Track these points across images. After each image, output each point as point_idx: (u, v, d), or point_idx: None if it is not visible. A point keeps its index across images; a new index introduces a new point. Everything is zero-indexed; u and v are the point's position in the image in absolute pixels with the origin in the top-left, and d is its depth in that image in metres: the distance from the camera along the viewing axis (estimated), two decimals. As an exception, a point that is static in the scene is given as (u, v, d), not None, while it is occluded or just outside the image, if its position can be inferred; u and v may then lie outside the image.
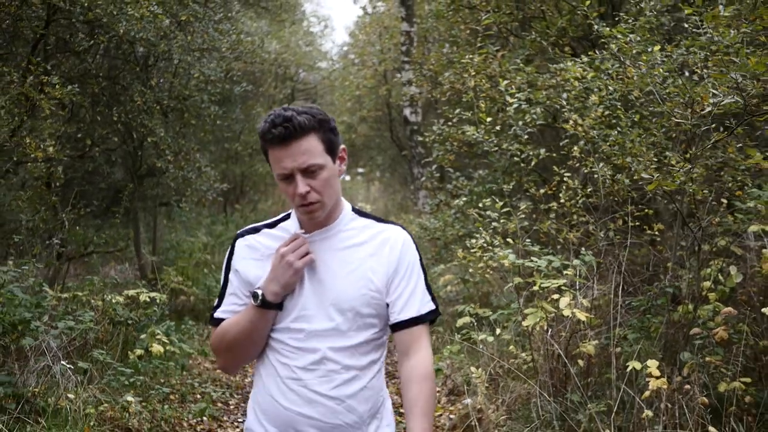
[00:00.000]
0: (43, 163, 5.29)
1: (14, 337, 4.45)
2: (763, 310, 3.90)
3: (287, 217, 2.01)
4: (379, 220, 2.01)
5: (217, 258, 9.95)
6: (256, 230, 2.01)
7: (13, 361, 4.48)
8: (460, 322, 5.18)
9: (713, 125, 3.96)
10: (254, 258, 1.96)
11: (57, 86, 5.24)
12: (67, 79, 6.54)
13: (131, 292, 5.52)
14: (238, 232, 2.03)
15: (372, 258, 1.93)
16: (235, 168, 15.52)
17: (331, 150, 1.87)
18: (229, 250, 2.03)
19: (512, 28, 6.47)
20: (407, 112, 12.91)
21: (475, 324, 5.09)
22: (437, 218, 7.44)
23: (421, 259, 2.00)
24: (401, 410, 2.14)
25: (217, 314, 1.99)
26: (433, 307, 1.97)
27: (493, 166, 6.71)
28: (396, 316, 1.94)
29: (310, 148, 1.81)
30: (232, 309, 1.96)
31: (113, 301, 5.36)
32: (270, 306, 1.87)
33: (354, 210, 2.00)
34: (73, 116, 6.68)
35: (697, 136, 4.08)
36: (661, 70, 4.01)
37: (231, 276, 1.99)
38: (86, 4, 6.21)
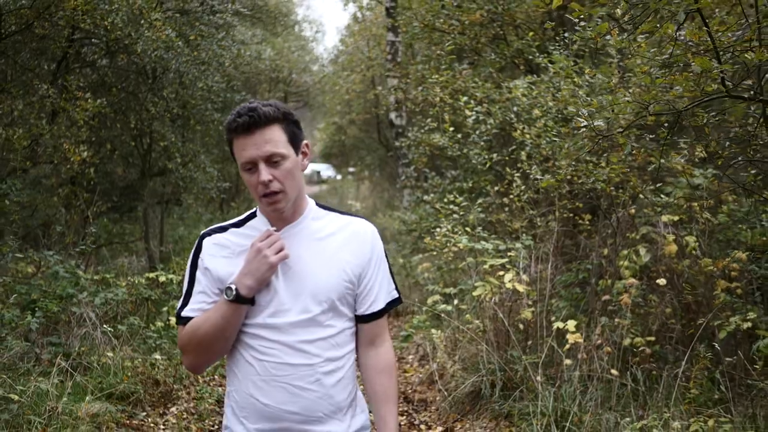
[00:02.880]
0: (77, 165, 6.27)
1: (60, 308, 5.46)
2: (657, 281, 4.97)
3: (253, 215, 2.03)
4: (342, 213, 2.07)
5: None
6: (223, 229, 2.02)
7: (60, 328, 5.49)
8: (430, 299, 6.23)
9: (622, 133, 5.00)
10: (224, 255, 1.95)
11: (89, 100, 6.24)
12: (87, 90, 7.53)
13: (151, 275, 6.53)
14: (204, 231, 2.03)
15: (343, 249, 1.97)
16: (231, 168, 16.48)
17: (294, 142, 1.90)
18: (194, 248, 2.02)
19: (476, 49, 7.50)
20: (392, 116, 13.91)
21: (444, 300, 6.13)
22: (415, 213, 8.47)
23: (385, 249, 2.08)
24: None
25: (185, 312, 1.97)
26: (396, 295, 2.07)
27: (463, 167, 7.75)
28: (365, 309, 2.00)
29: (274, 138, 1.85)
30: (201, 307, 1.95)
31: (137, 281, 6.37)
32: (243, 301, 1.87)
33: (318, 204, 2.05)
34: (100, 124, 7.67)
35: (613, 145, 5.12)
36: (582, 92, 5.04)
37: (198, 274, 1.98)
38: (108, 27, 7.19)
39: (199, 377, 5.80)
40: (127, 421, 4.68)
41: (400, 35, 14.21)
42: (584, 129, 3.56)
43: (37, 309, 5.07)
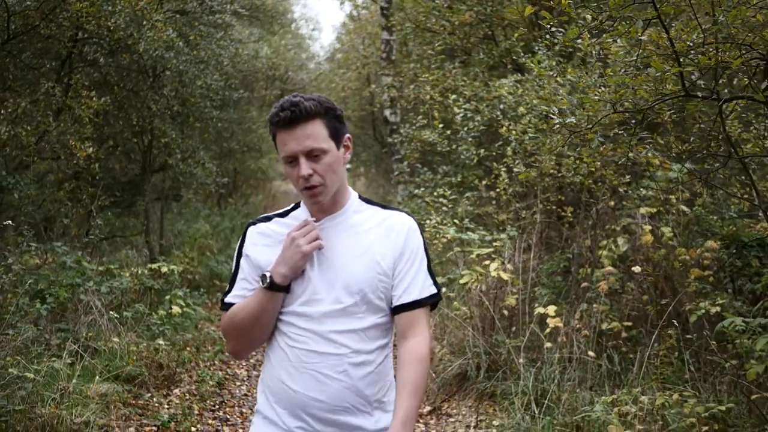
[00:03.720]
0: (82, 161, 6.54)
1: (69, 296, 5.74)
2: (633, 269, 5.27)
3: (297, 206, 2.08)
4: (384, 207, 2.09)
5: (217, 244, 11.22)
6: (268, 219, 2.08)
7: (68, 315, 5.77)
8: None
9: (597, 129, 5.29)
10: (265, 244, 2.01)
11: (94, 98, 6.51)
12: (92, 89, 7.79)
13: (154, 265, 6.81)
14: (251, 221, 2.10)
15: (379, 242, 1.99)
16: (228, 164, 16.75)
17: (336, 137, 1.93)
18: (241, 237, 2.08)
19: (466, 49, 7.79)
20: (387, 113, 14.19)
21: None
22: (407, 207, 8.76)
23: (425, 244, 2.08)
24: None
25: (228, 299, 2.04)
26: (434, 291, 2.04)
27: (453, 162, 8.04)
28: (397, 300, 1.98)
29: (315, 133, 1.88)
30: (243, 294, 2.01)
31: (140, 272, 6.65)
32: (278, 288, 1.92)
33: (361, 198, 2.07)
34: (103, 121, 7.94)
35: (586, 141, 5.41)
36: (563, 90, 5.33)
37: (242, 262, 2.04)
38: (111, 28, 7.45)
39: (200, 362, 6.09)
40: (133, 401, 4.96)
41: (394, 34, 14.50)
42: (558, 125, 3.84)
43: (48, 296, 5.35)
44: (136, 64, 8.65)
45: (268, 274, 1.92)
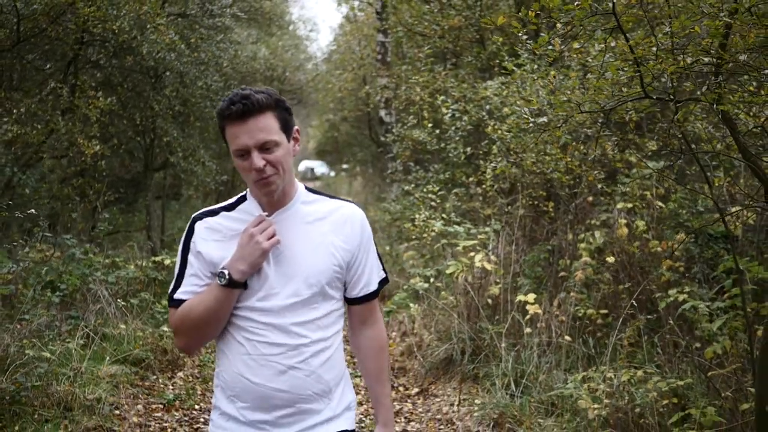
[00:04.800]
0: (90, 158, 6.89)
1: (79, 285, 6.08)
2: (607, 259, 5.63)
3: (243, 198, 2.05)
4: (331, 196, 2.10)
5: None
6: (214, 212, 2.04)
7: (78, 303, 6.11)
8: (412, 281, 6.88)
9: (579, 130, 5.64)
10: (216, 240, 1.98)
11: (100, 98, 6.85)
12: (99, 89, 8.13)
13: (157, 258, 7.15)
14: (195, 214, 2.06)
15: (333, 233, 2.01)
16: (227, 163, 17.07)
17: (286, 129, 1.93)
18: (186, 231, 2.04)
19: (455, 52, 8.14)
20: (382, 113, 14.55)
21: (424, 280, 6.78)
22: (400, 203, 9.12)
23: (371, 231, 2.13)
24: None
25: (178, 295, 2.00)
26: (384, 275, 2.14)
27: (444, 160, 8.40)
28: (359, 292, 2.07)
29: (267, 125, 1.87)
30: (193, 290, 1.98)
31: (144, 264, 7.00)
32: (236, 285, 1.91)
33: (307, 188, 2.08)
34: (108, 121, 8.30)
35: (570, 141, 5.77)
36: (544, 92, 5.69)
37: (191, 257, 2.00)
38: (116, 31, 7.80)
39: (202, 348, 6.43)
40: (140, 383, 5.31)
41: (389, 36, 14.86)
42: (531, 125, 4.19)
43: (61, 284, 5.70)
44: (139, 66, 9.00)
45: (226, 272, 1.90)
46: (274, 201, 1.98)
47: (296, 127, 2.00)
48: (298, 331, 1.94)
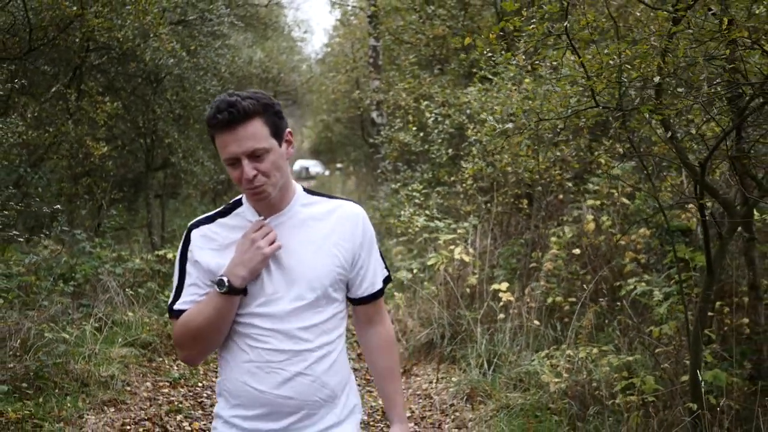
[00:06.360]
0: (98, 159, 7.41)
1: (89, 277, 6.60)
2: (573, 251, 6.17)
3: (239, 203, 2.02)
4: (330, 197, 2.05)
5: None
6: (210, 219, 2.01)
7: (88, 293, 6.62)
8: (399, 275, 7.42)
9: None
10: (212, 248, 1.95)
11: (108, 103, 7.37)
12: (105, 94, 8.65)
13: (160, 252, 7.67)
14: (191, 223, 2.01)
15: (333, 234, 1.96)
16: (222, 164, 17.58)
17: (277, 133, 1.88)
18: (183, 240, 2.00)
19: (440, 60, 8.69)
20: (374, 114, 15.08)
21: (409, 271, 7.32)
22: (388, 201, 9.65)
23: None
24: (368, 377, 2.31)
25: (177, 306, 1.97)
26: (387, 273, 2.11)
27: (430, 161, 8.94)
28: (363, 292, 2.03)
29: (256, 133, 1.82)
30: (193, 299, 1.94)
31: (149, 258, 7.52)
32: (236, 292, 1.87)
33: (305, 190, 2.03)
34: (113, 123, 8.83)
35: (544, 141, 6.31)
36: (516, 98, 6.22)
37: (189, 267, 1.97)
38: (121, 39, 8.30)
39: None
40: (147, 364, 5.82)
41: (380, 41, 15.39)
42: (497, 131, 4.72)
43: (74, 274, 6.21)
44: (142, 72, 9.50)
45: (225, 279, 1.86)
46: (270, 206, 1.95)
47: (288, 130, 1.94)
48: (302, 336, 1.91)
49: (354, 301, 2.06)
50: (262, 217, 1.96)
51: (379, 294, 2.07)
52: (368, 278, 2.03)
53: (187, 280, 1.97)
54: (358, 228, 2.00)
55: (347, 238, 1.98)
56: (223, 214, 2.01)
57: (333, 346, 1.97)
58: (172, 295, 2.01)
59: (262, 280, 1.92)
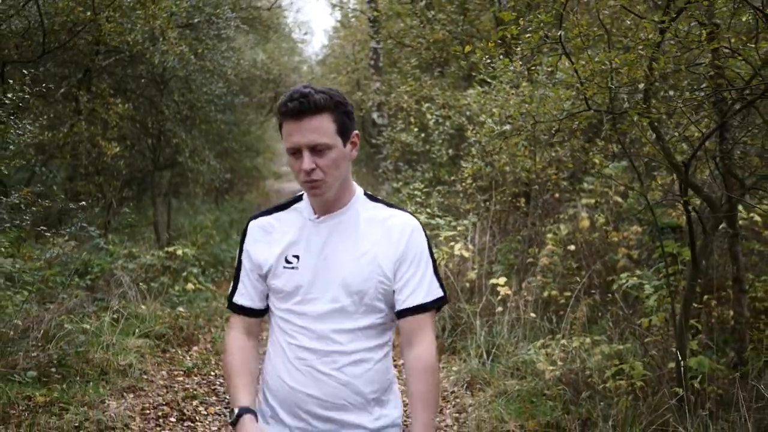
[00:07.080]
0: (110, 158, 7.69)
1: (103, 272, 6.87)
2: (568, 247, 6.45)
3: (300, 198, 2.03)
4: (389, 205, 2.02)
5: (219, 234, 12.34)
6: (268, 212, 2.05)
7: (102, 287, 6.90)
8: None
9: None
10: (265, 240, 1.98)
11: (119, 104, 7.64)
12: (116, 95, 8.91)
13: (170, 248, 7.94)
14: (252, 215, 2.06)
15: (381, 243, 1.94)
16: (226, 163, 17.87)
17: (344, 133, 1.87)
18: (242, 233, 2.05)
19: (440, 63, 8.97)
20: (375, 115, 15.34)
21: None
22: (391, 200, 9.94)
23: (430, 247, 2.01)
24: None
25: (235, 299, 2.04)
26: (440, 294, 1.98)
27: (431, 161, 9.22)
28: (401, 304, 1.94)
29: (321, 127, 1.82)
30: (248, 292, 2.02)
31: (159, 254, 7.79)
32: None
33: (366, 195, 2.02)
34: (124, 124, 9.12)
35: (540, 142, 6.60)
36: (513, 101, 6.50)
37: (243, 258, 2.02)
38: (131, 42, 8.56)
39: (211, 328, 7.23)
40: (162, 354, 6.09)
41: (381, 43, 15.65)
42: (496, 132, 5.00)
43: (90, 268, 6.48)
44: (150, 74, 9.77)
45: (235, 411, 1.90)
46: (326, 204, 1.95)
47: (356, 132, 1.94)
48: (334, 338, 1.91)
49: (397, 314, 1.98)
50: (315, 215, 1.97)
51: (419, 309, 1.94)
52: (407, 291, 1.94)
53: (242, 273, 2.04)
54: (404, 239, 1.95)
55: (392, 248, 1.94)
56: (281, 207, 2.05)
57: (371, 354, 1.95)
58: (231, 286, 2.08)
59: (300, 277, 1.94)
